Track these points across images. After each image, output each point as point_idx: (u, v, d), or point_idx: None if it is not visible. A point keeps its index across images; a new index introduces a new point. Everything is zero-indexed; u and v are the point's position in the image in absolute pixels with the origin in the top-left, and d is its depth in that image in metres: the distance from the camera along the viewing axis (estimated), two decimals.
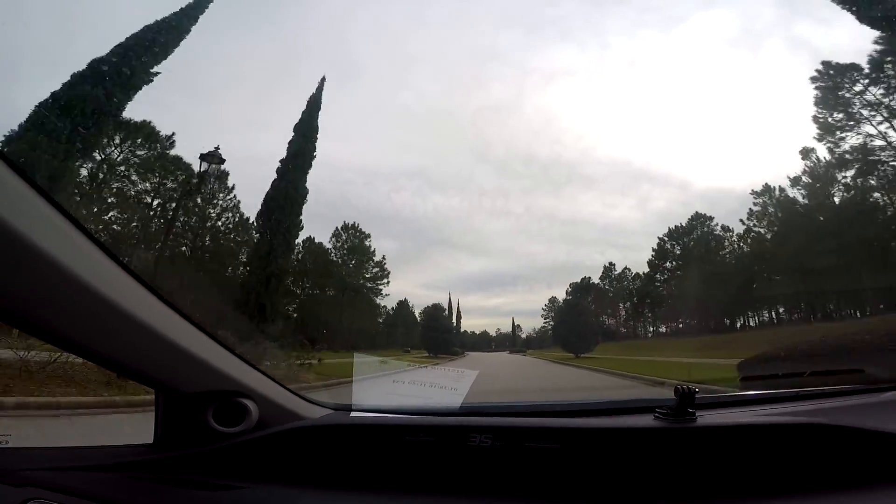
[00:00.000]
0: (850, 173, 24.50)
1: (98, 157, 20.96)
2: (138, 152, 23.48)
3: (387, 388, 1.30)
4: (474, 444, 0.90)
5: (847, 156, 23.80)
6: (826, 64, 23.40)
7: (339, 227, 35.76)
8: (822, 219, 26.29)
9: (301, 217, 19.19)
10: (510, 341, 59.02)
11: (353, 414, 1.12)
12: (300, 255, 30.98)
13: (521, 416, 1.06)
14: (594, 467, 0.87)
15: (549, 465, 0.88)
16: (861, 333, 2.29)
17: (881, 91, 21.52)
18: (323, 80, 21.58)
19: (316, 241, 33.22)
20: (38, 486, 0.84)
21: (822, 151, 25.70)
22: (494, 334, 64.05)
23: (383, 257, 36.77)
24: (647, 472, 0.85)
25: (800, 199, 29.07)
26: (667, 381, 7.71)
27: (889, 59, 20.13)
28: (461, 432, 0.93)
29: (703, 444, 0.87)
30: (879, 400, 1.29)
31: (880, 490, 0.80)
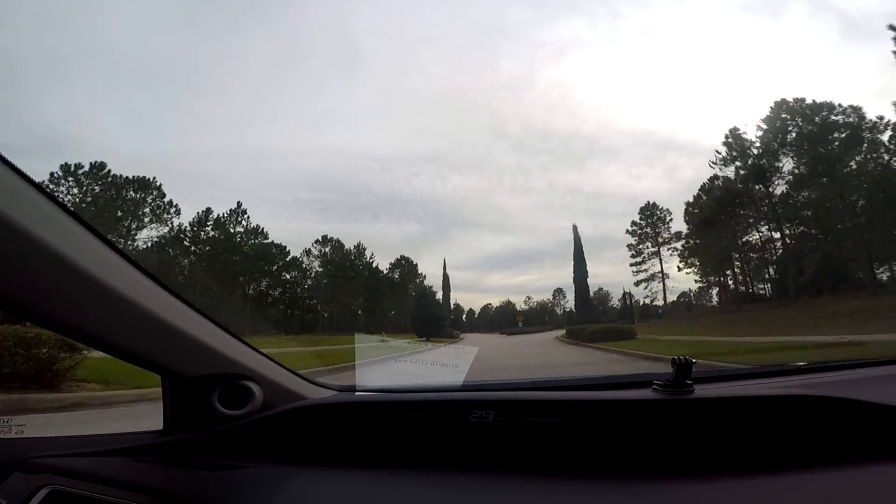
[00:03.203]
0: None
1: None
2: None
3: (390, 368, 1.32)
4: (476, 419, 0.92)
5: None
6: None
7: None
8: None
9: None
10: (551, 315, 41.36)
11: (357, 394, 1.14)
12: None
13: (522, 392, 1.07)
14: (594, 440, 0.88)
15: (549, 439, 0.89)
16: None
17: None
18: None
19: None
20: (52, 472, 0.87)
21: None
22: (524, 307, 50.74)
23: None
24: (645, 445, 0.86)
25: None
26: None
27: None
28: (463, 407, 0.94)
29: (700, 416, 0.88)
30: (881, 373, 1.27)
31: (881, 464, 0.78)
